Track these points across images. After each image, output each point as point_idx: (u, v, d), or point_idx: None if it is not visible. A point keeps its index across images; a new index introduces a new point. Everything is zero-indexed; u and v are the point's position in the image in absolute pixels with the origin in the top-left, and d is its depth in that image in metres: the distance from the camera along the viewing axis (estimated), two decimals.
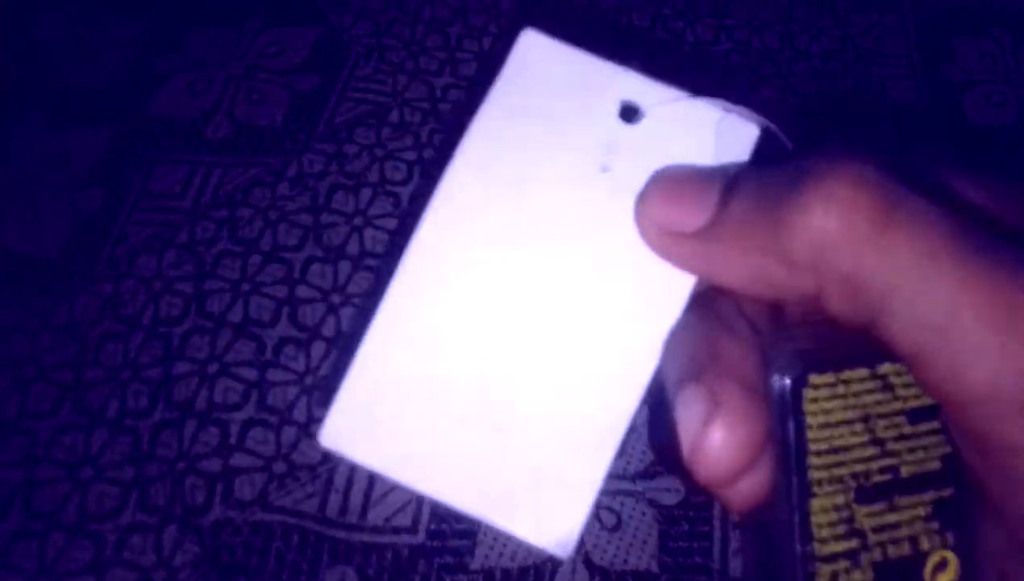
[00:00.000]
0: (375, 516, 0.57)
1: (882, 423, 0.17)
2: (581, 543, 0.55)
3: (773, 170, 0.17)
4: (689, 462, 0.17)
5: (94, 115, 0.77)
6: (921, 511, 0.17)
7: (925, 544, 0.17)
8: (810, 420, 0.17)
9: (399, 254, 0.19)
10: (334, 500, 0.57)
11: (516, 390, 0.19)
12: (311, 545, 0.56)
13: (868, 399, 0.17)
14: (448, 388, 0.19)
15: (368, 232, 0.70)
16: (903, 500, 0.17)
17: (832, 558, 0.17)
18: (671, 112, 0.19)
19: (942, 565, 0.17)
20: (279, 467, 0.59)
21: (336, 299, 0.66)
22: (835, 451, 0.17)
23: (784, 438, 0.17)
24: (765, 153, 0.19)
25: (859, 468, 0.17)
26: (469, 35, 0.82)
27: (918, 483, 0.17)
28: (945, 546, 0.17)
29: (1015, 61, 0.80)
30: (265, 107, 0.77)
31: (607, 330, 0.19)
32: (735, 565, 0.55)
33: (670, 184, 0.18)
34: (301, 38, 0.82)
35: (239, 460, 0.59)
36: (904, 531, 0.17)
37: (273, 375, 0.63)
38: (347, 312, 0.65)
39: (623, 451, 0.58)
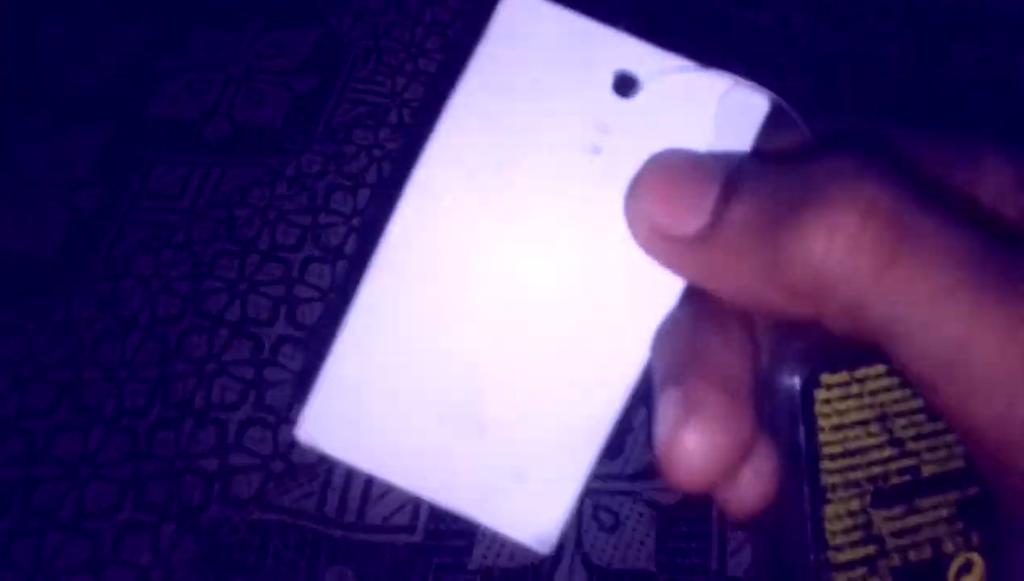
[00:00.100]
0: (373, 515, 0.57)
1: (900, 422, 0.16)
2: (579, 543, 0.55)
3: (780, 170, 0.16)
4: (659, 466, 0.16)
5: (94, 115, 0.77)
6: (944, 512, 0.16)
7: (948, 546, 0.16)
8: (822, 423, 0.16)
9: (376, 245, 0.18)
10: (332, 499, 0.57)
11: (498, 384, 0.18)
12: (309, 544, 0.56)
13: (885, 397, 0.16)
14: (427, 382, 0.18)
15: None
16: (924, 501, 0.16)
17: (848, 566, 0.16)
18: (671, 85, 0.17)
19: (967, 567, 0.16)
20: (277, 466, 0.59)
21: (334, 299, 0.66)
22: (850, 454, 0.16)
23: (794, 443, 0.16)
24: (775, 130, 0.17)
25: (876, 470, 0.16)
26: None
27: (940, 483, 0.16)
28: (970, 548, 0.16)
29: (1012, 64, 0.80)
30: (264, 108, 0.77)
31: (593, 325, 0.18)
32: (733, 565, 0.54)
33: (665, 176, 0.17)
34: (301, 39, 0.82)
35: (237, 459, 0.59)
36: (926, 534, 0.16)
37: (271, 374, 0.63)
38: None
39: (622, 451, 0.58)
